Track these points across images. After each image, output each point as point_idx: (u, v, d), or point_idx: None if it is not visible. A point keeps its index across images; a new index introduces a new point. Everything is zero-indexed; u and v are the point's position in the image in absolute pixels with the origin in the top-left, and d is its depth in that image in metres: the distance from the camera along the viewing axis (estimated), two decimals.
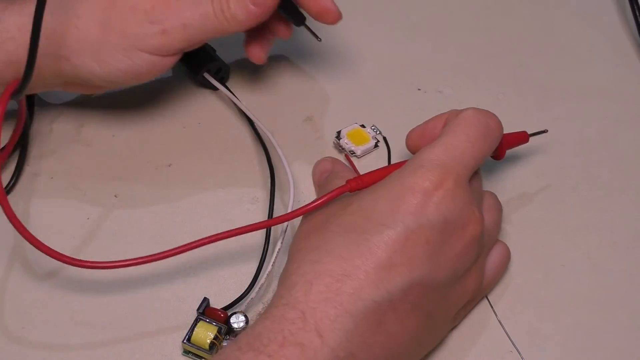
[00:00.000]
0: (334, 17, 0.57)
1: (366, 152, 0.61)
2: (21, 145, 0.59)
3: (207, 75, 0.62)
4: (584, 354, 0.52)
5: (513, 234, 0.57)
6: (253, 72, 0.65)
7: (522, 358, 0.52)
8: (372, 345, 0.45)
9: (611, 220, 0.58)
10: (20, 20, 0.53)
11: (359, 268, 0.45)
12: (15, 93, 0.52)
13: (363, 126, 0.62)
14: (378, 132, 0.62)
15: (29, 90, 0.53)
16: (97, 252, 0.56)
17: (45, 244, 0.49)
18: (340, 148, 0.61)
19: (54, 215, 0.57)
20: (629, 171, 0.61)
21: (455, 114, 0.52)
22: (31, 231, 0.56)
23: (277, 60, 0.66)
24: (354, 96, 0.64)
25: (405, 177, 0.48)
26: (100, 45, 0.53)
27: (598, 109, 0.64)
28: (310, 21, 0.59)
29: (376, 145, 0.61)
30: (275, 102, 0.64)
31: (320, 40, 0.60)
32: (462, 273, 0.49)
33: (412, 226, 0.46)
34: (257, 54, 0.60)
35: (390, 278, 0.45)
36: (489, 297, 0.54)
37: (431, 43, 0.68)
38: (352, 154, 0.61)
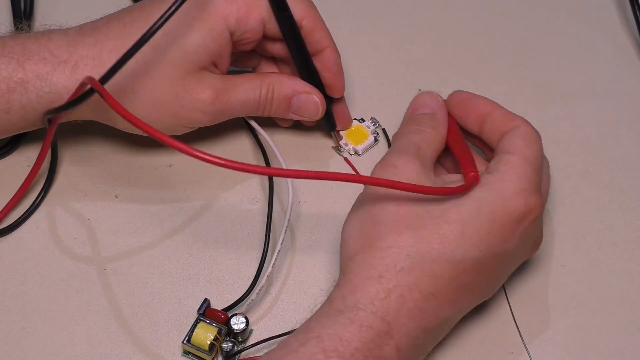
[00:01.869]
0: (349, 123, 0.61)
1: (367, 149, 0.61)
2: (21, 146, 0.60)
3: None
4: (585, 354, 0.52)
5: None
6: None
7: (530, 357, 0.52)
8: (425, 350, 0.49)
9: (611, 220, 0.58)
10: (70, 84, 0.53)
11: (444, 288, 0.47)
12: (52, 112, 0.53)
13: (362, 120, 0.62)
14: (377, 124, 0.62)
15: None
16: (97, 252, 0.56)
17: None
18: (339, 151, 0.61)
19: (54, 216, 0.57)
20: (629, 171, 0.61)
21: (505, 123, 0.53)
22: (31, 231, 0.56)
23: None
24: (353, 96, 0.64)
25: (509, 197, 0.48)
26: (149, 119, 0.53)
27: (598, 109, 0.64)
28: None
29: (376, 140, 0.61)
30: None
31: (340, 147, 0.61)
32: (519, 263, 0.53)
33: (500, 253, 0.48)
34: (283, 121, 0.62)
35: (465, 298, 0.48)
36: (510, 304, 0.54)
37: (431, 43, 0.68)
38: (353, 153, 0.61)
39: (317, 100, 0.57)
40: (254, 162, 0.60)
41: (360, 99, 0.64)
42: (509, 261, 0.50)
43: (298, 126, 0.62)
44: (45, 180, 0.58)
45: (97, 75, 0.50)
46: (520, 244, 0.49)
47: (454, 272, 0.47)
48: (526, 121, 0.52)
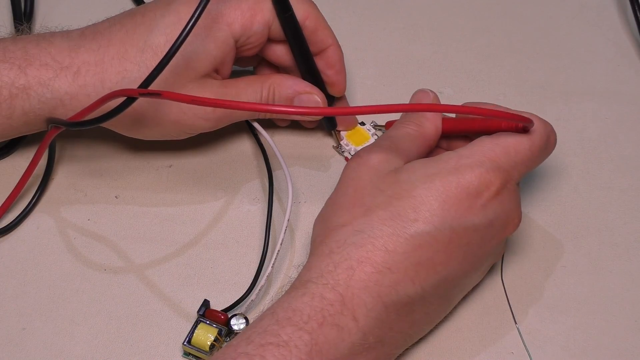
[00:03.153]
0: (353, 124, 0.61)
1: None
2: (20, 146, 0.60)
3: None
4: (585, 354, 0.52)
5: (513, 235, 0.57)
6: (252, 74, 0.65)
7: (530, 357, 0.52)
8: (398, 330, 0.48)
9: (611, 220, 0.58)
10: (73, 91, 0.53)
11: (400, 263, 0.46)
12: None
13: (363, 123, 0.62)
14: (378, 128, 0.62)
15: None
16: (97, 253, 0.56)
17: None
18: (340, 151, 0.61)
19: (54, 216, 0.57)
20: (629, 171, 0.61)
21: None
22: (31, 231, 0.56)
23: None
24: (354, 97, 0.64)
25: (462, 172, 0.48)
26: (151, 126, 0.55)
27: (598, 109, 0.64)
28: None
29: None
30: None
31: (340, 147, 0.61)
32: (491, 260, 0.52)
33: (458, 229, 0.47)
34: (282, 121, 0.62)
35: (427, 276, 0.47)
36: (510, 303, 0.54)
37: (431, 43, 0.68)
38: (354, 154, 0.61)
39: (319, 99, 0.57)
40: (255, 161, 0.60)
41: (361, 99, 0.64)
42: (476, 238, 0.48)
43: (298, 126, 0.62)
44: (42, 180, 0.58)
45: (99, 82, 0.51)
46: (484, 220, 0.48)
47: (409, 247, 0.46)
48: (536, 117, 0.51)
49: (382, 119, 0.62)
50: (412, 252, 0.47)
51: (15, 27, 0.63)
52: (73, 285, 0.54)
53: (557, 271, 0.56)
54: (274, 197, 0.58)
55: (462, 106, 0.50)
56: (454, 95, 0.65)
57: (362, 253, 0.46)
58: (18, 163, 0.59)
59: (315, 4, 0.57)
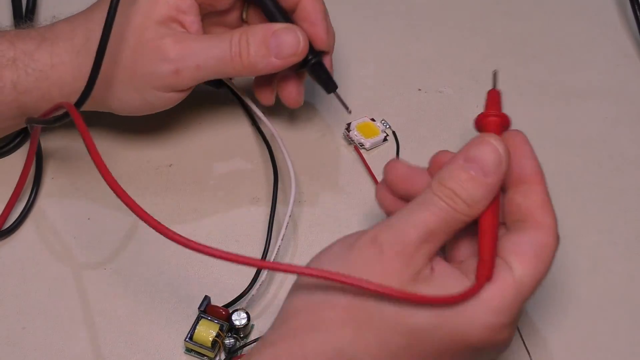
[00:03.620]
0: (323, 44, 0.56)
1: (375, 145, 0.61)
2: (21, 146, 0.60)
3: None
4: (585, 354, 0.52)
5: None
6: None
7: (530, 357, 0.52)
8: None
9: (611, 220, 0.58)
10: (52, 60, 0.53)
11: None
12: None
13: (373, 120, 0.62)
14: (388, 126, 0.62)
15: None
16: (97, 252, 0.56)
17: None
18: (349, 140, 0.61)
19: (54, 216, 0.57)
20: (629, 171, 0.61)
21: (539, 209, 0.44)
22: (31, 231, 0.56)
23: None
24: (354, 96, 0.64)
25: (475, 325, 0.40)
26: (113, 83, 0.54)
27: (598, 109, 0.64)
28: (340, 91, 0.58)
29: (385, 139, 0.61)
30: (276, 102, 0.64)
31: (350, 112, 0.59)
32: None
33: None
34: (267, 96, 0.59)
35: None
36: None
37: (431, 43, 0.68)
38: (361, 146, 0.61)
39: (297, 32, 0.53)
40: (255, 160, 0.60)
41: (361, 99, 0.64)
42: None
43: (300, 123, 0.62)
44: (34, 181, 0.58)
45: (70, 47, 0.52)
46: None
47: None
48: (554, 225, 0.44)
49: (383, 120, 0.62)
50: None
51: (16, 27, 0.64)
52: (73, 285, 0.54)
53: (557, 271, 0.56)
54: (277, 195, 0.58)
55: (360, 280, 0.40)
56: (453, 94, 0.65)
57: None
58: (18, 163, 0.59)
59: None
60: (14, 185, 0.57)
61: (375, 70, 0.66)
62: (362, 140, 0.61)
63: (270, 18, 0.55)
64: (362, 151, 0.61)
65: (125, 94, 0.54)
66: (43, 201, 0.58)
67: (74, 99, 0.51)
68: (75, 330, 0.52)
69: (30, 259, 0.55)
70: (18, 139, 0.60)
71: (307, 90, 0.64)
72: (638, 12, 0.67)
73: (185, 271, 0.55)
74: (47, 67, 0.54)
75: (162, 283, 0.54)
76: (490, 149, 0.42)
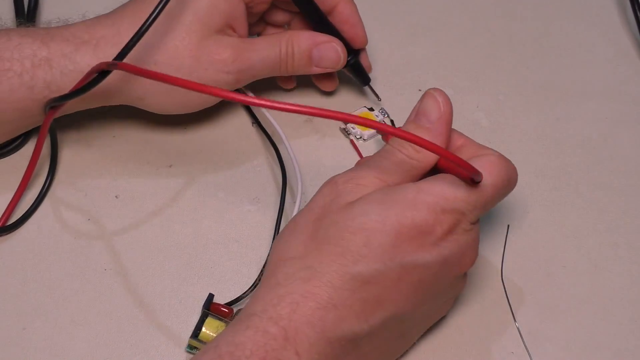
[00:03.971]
0: (362, 43, 0.62)
1: (373, 136, 0.61)
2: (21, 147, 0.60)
3: None
4: (585, 354, 0.52)
5: (514, 234, 0.57)
6: None
7: (530, 357, 0.52)
8: None
9: (611, 220, 0.58)
10: (94, 62, 0.52)
11: (346, 300, 0.45)
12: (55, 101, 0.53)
13: (371, 109, 0.62)
14: (386, 115, 0.62)
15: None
16: (97, 252, 0.56)
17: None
18: (346, 133, 0.61)
19: (54, 216, 0.57)
20: (629, 171, 0.61)
21: (477, 151, 0.50)
22: (32, 231, 0.56)
23: None
24: (354, 96, 0.64)
25: (419, 208, 0.46)
26: (176, 90, 0.52)
27: (598, 109, 0.64)
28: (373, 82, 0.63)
29: None
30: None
31: (380, 99, 0.63)
32: (445, 299, 0.50)
33: (408, 266, 0.45)
34: (287, 82, 0.64)
35: (374, 313, 0.45)
36: (510, 303, 0.54)
37: (431, 43, 0.68)
38: (359, 137, 0.61)
39: (338, 47, 0.59)
40: (255, 161, 0.60)
41: (360, 99, 0.64)
42: (427, 276, 0.46)
43: (300, 122, 0.62)
44: (46, 179, 0.58)
45: (115, 46, 0.53)
46: (437, 258, 0.46)
47: (356, 284, 0.45)
48: (497, 153, 0.49)
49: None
50: (359, 289, 0.45)
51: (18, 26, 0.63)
52: (73, 285, 0.54)
53: (557, 271, 0.56)
54: (277, 197, 0.58)
55: (421, 139, 0.44)
56: (454, 95, 0.64)
57: (307, 288, 0.45)
58: (20, 162, 0.59)
59: None
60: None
61: (375, 70, 0.66)
62: (360, 132, 0.61)
63: (312, 24, 0.59)
64: (359, 142, 0.61)
65: (186, 97, 0.57)
66: (43, 201, 0.58)
67: (110, 97, 0.56)
68: (75, 330, 0.52)
69: (30, 259, 0.55)
70: (17, 142, 0.59)
71: (304, 93, 0.65)
72: (638, 12, 0.67)
73: (185, 274, 0.55)
74: (88, 69, 0.52)
75: (162, 285, 0.54)
76: (433, 100, 0.50)
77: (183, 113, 0.59)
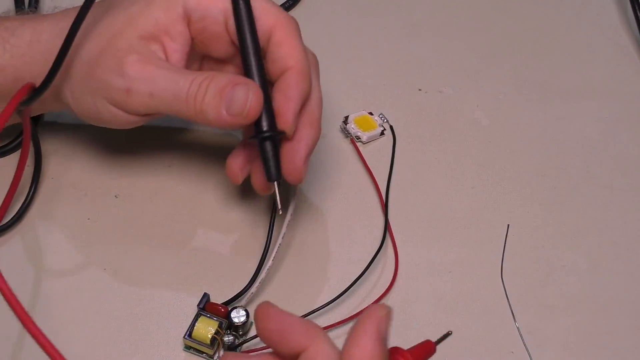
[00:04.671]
0: (297, 179, 0.51)
1: (372, 139, 0.61)
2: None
3: None
4: (585, 354, 0.52)
5: (514, 234, 0.57)
6: None
7: (530, 357, 0.52)
8: None
9: (611, 220, 0.58)
10: (31, 37, 0.52)
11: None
12: (23, 102, 0.51)
13: (371, 113, 0.62)
14: (385, 120, 0.62)
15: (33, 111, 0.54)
16: (97, 252, 0.56)
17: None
18: (346, 132, 0.61)
19: (54, 216, 0.57)
20: (629, 171, 0.61)
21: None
22: (31, 231, 0.56)
23: None
24: (353, 96, 0.64)
25: None
26: (71, 73, 0.51)
27: (598, 109, 0.64)
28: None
29: (382, 133, 0.62)
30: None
31: (281, 213, 0.52)
32: None
33: None
34: (234, 172, 0.53)
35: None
36: (510, 303, 0.54)
37: (431, 43, 0.68)
38: (357, 139, 0.61)
39: (250, 90, 0.48)
40: None
41: (360, 99, 0.64)
42: None
43: None
44: (32, 178, 0.58)
45: (55, 23, 0.51)
46: None
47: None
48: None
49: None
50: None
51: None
52: (73, 285, 0.54)
53: (557, 271, 0.56)
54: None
55: None
56: (454, 94, 0.65)
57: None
58: (15, 162, 0.59)
59: (295, 21, 0.51)
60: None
61: (375, 70, 0.66)
62: (359, 133, 0.61)
63: (245, 64, 0.50)
64: (358, 144, 0.61)
65: (81, 93, 0.51)
66: (42, 201, 0.58)
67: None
68: (76, 330, 0.52)
69: (30, 259, 0.55)
70: (19, 139, 0.60)
71: None
72: (638, 12, 0.67)
73: (184, 273, 0.55)
74: (25, 44, 0.52)
75: (162, 285, 0.54)
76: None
77: (100, 125, 0.54)
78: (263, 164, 0.50)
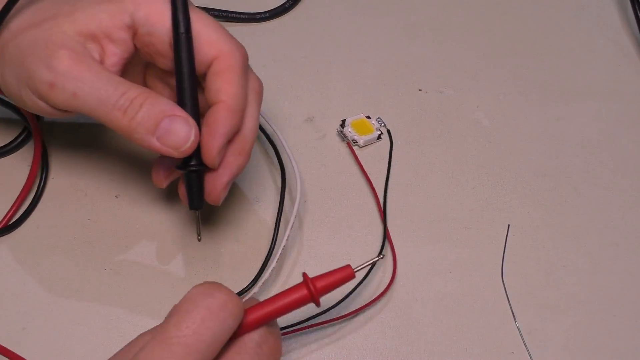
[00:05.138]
0: (215, 202, 0.51)
1: (369, 143, 0.61)
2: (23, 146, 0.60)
3: None
4: (585, 354, 0.52)
5: (514, 234, 0.57)
6: None
7: (530, 357, 0.52)
8: None
9: (611, 220, 0.58)
10: None
11: None
12: None
13: (368, 117, 0.62)
14: (383, 124, 0.62)
15: None
16: (97, 253, 0.56)
17: None
18: (343, 136, 0.61)
19: (54, 216, 0.57)
20: (629, 171, 0.61)
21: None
22: (32, 231, 0.56)
23: (276, 61, 0.66)
24: (354, 96, 0.64)
25: None
26: (7, 62, 0.49)
27: (598, 109, 0.64)
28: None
29: (379, 137, 0.62)
30: (275, 102, 0.64)
31: (200, 239, 0.54)
32: None
33: None
34: (159, 178, 0.53)
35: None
36: (510, 303, 0.54)
37: (431, 43, 0.68)
38: (354, 143, 0.61)
39: (192, 128, 0.47)
40: (255, 161, 0.60)
41: (360, 99, 0.64)
42: None
43: (300, 122, 0.62)
44: (40, 179, 0.58)
45: None
46: None
47: None
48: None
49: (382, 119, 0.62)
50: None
51: None
52: (73, 285, 0.54)
53: (557, 271, 0.56)
54: (276, 196, 0.58)
55: None
56: (454, 94, 0.65)
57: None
58: (18, 162, 0.59)
59: (242, 53, 0.50)
60: (18, 183, 0.57)
61: (375, 70, 0.66)
62: (356, 137, 0.61)
63: (179, 96, 0.49)
64: (355, 148, 0.61)
65: (9, 77, 0.49)
66: (43, 201, 0.58)
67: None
68: (75, 330, 0.52)
69: (31, 258, 0.55)
70: (22, 137, 0.60)
71: (305, 93, 0.65)
72: (638, 12, 0.67)
73: (184, 273, 0.55)
74: None
75: (162, 284, 0.54)
76: None
77: (25, 109, 0.51)
78: (187, 193, 0.50)
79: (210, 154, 0.49)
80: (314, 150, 0.61)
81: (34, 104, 0.49)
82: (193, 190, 0.50)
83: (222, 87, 0.49)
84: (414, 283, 0.55)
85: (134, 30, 0.49)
